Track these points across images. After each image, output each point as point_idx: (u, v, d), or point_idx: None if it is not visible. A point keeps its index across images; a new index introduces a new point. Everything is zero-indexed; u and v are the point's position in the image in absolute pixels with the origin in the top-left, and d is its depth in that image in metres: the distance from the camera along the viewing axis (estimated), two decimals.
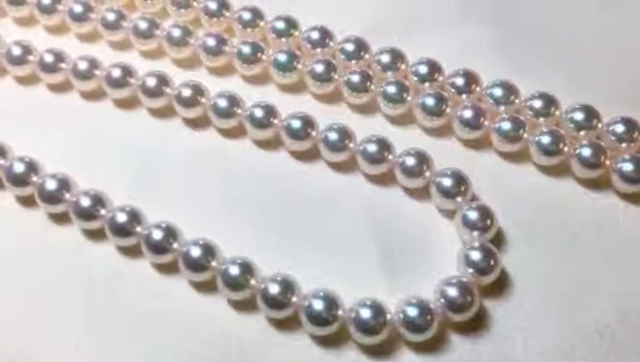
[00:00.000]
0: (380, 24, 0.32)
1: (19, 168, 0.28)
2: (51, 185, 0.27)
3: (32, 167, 0.28)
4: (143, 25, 0.31)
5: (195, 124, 0.30)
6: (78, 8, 0.32)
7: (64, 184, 0.27)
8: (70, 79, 0.30)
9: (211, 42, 0.30)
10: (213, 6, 0.32)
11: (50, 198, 0.27)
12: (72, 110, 0.30)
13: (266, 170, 0.29)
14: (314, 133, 0.28)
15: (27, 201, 0.28)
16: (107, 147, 0.29)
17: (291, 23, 0.31)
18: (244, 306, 0.26)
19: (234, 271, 0.25)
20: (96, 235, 0.27)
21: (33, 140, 0.29)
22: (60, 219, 0.28)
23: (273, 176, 0.28)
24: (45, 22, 0.32)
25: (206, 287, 0.26)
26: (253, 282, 0.25)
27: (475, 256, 0.25)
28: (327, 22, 0.31)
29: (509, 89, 0.29)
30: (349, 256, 0.27)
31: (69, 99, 0.31)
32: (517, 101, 0.29)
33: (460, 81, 0.29)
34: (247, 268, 0.25)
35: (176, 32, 0.31)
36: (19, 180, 0.28)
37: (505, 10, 0.32)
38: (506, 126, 0.28)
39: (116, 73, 0.30)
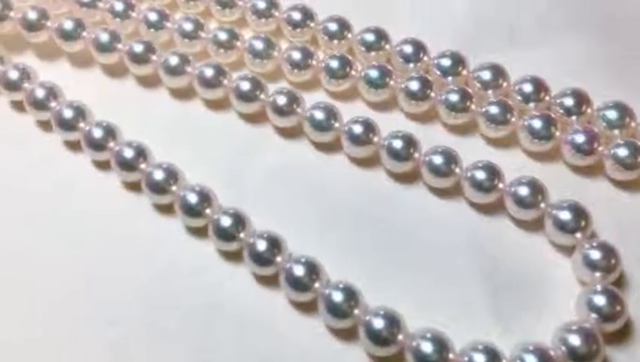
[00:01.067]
0: (479, 38, 0.30)
1: (129, 154, 0.27)
2: (159, 175, 0.26)
3: (141, 153, 0.27)
4: (222, 36, 0.29)
5: (287, 133, 0.28)
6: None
7: (172, 175, 0.26)
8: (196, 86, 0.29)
9: (296, 55, 0.29)
10: (297, 16, 0.30)
11: (158, 189, 0.26)
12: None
13: (361, 188, 0.27)
14: (416, 155, 0.26)
15: (134, 186, 0.27)
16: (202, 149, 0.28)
17: (381, 35, 0.29)
18: (345, 335, 0.24)
19: (337, 297, 0.24)
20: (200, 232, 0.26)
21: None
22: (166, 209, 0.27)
23: (371, 195, 0.27)
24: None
25: (304, 307, 0.24)
26: (357, 311, 0.24)
27: (600, 300, 0.23)
28: (420, 34, 0.29)
29: (624, 111, 0.27)
30: (452, 288, 0.25)
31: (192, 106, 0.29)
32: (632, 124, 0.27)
33: (568, 102, 0.27)
34: (351, 295, 0.24)
35: (259, 45, 0.29)
36: (129, 165, 0.27)
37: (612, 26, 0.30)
38: (623, 152, 0.26)
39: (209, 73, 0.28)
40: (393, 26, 0.30)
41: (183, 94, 0.29)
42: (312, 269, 0.24)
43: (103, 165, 0.28)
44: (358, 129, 0.27)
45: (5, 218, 0.27)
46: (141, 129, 0.28)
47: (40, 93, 0.28)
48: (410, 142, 0.26)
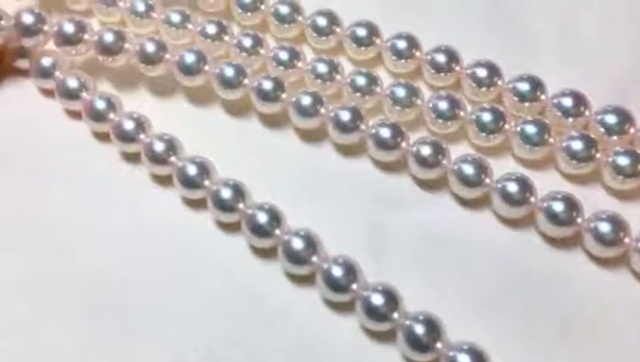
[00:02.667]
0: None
1: (226, 194, 0.26)
2: (262, 218, 0.26)
3: (239, 193, 0.26)
4: (322, 68, 0.29)
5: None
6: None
7: (275, 217, 0.26)
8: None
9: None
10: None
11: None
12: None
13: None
14: (532, 199, 0.26)
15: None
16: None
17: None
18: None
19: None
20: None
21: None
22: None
23: (481, 240, 0.26)
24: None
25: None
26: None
27: None
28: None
29: None
30: None
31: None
32: None
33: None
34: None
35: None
36: (226, 206, 0.26)
37: None
38: None
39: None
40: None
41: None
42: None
43: (195, 203, 0.27)
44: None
45: (92, 251, 0.27)
46: (255, 169, 0.28)
47: (128, 125, 0.28)
48: (525, 186, 0.26)
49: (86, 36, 0.29)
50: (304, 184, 0.28)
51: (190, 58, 0.28)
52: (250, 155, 0.29)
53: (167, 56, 0.29)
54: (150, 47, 0.28)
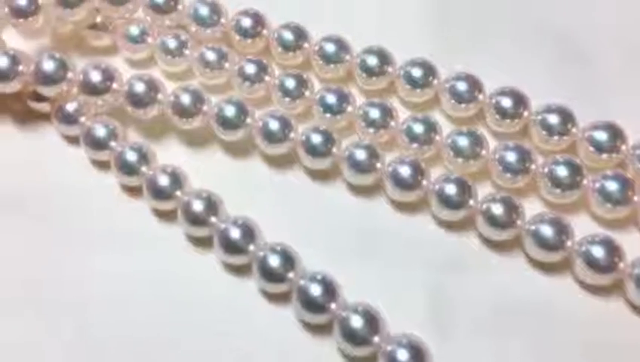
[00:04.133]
0: None
1: (274, 262, 0.24)
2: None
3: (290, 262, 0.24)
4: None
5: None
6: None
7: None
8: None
9: (374, 114, 0.26)
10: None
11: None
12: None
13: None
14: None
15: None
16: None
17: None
18: None
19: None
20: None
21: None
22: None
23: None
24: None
25: None
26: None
27: None
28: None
29: None
30: None
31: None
32: None
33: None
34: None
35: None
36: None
37: None
38: None
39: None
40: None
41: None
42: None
43: (239, 269, 0.25)
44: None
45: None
46: (302, 228, 0.25)
47: (163, 181, 0.25)
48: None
49: (115, 85, 0.26)
50: (356, 243, 0.25)
51: (230, 111, 0.26)
52: (295, 212, 0.26)
53: (205, 108, 0.26)
54: (186, 99, 0.26)
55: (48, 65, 0.26)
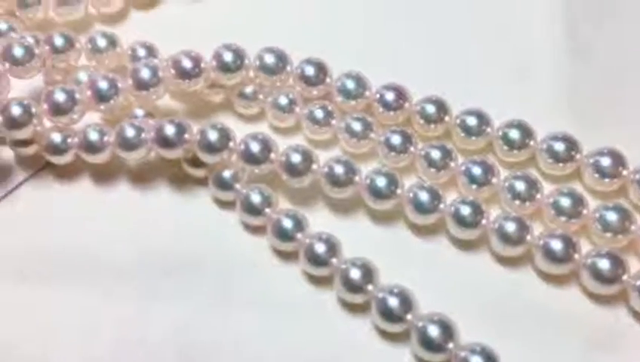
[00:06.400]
0: None
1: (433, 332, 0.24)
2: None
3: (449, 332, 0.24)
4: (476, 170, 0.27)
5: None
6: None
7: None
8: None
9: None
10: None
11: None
12: None
13: None
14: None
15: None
16: None
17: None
18: None
19: None
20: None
21: None
22: None
23: None
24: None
25: None
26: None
27: None
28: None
29: None
30: None
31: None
32: None
33: None
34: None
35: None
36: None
37: None
38: None
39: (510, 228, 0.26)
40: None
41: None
42: None
43: (394, 336, 0.25)
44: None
45: None
46: (450, 298, 0.26)
47: (319, 248, 0.26)
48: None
49: (272, 155, 0.27)
50: (501, 317, 0.26)
51: (382, 182, 0.27)
52: (442, 280, 0.27)
53: (356, 178, 0.27)
54: (339, 169, 0.27)
55: (213, 135, 0.27)
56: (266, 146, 0.27)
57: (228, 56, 0.29)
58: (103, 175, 0.29)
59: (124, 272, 0.27)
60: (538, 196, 0.27)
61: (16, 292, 0.27)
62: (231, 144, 0.27)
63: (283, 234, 0.27)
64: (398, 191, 0.27)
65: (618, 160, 0.27)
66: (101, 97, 0.28)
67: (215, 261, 0.27)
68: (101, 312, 0.26)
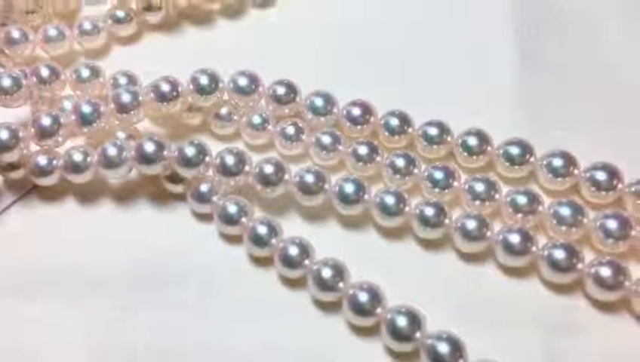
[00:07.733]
0: None
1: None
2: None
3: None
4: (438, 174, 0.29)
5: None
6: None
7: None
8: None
9: (522, 200, 0.28)
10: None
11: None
12: None
13: None
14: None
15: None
16: None
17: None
18: None
19: None
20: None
21: None
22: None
23: None
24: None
25: None
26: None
27: None
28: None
29: None
30: None
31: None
32: None
33: None
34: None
35: (480, 187, 0.29)
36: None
37: None
38: None
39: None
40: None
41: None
42: None
43: (366, 330, 0.27)
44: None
45: None
46: (423, 294, 0.27)
47: (293, 251, 0.28)
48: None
49: (247, 167, 0.29)
50: (468, 308, 0.27)
51: (349, 188, 0.29)
52: (409, 277, 0.28)
53: (326, 186, 0.29)
54: (310, 178, 0.29)
55: (190, 151, 0.29)
56: (241, 159, 0.29)
57: (204, 80, 0.31)
58: (87, 195, 0.31)
59: (109, 286, 0.28)
60: (497, 196, 0.29)
61: (3, 307, 0.28)
62: (207, 158, 0.29)
63: (258, 240, 0.28)
64: (366, 196, 0.29)
65: (569, 160, 0.29)
66: (85, 121, 0.30)
67: (196, 270, 0.29)
68: (86, 325, 0.28)
